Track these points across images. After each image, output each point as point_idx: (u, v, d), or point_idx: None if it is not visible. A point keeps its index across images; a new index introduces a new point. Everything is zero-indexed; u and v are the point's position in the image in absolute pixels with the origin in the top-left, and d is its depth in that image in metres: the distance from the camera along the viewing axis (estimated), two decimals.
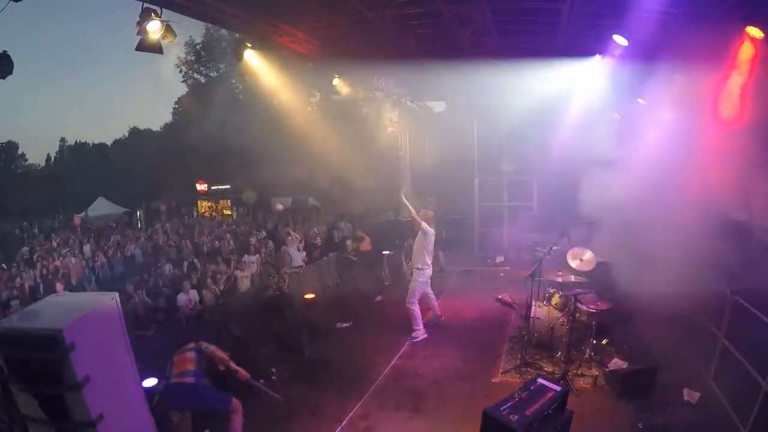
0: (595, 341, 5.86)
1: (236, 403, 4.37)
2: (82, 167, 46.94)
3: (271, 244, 11.90)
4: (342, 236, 13.09)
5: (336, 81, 10.14)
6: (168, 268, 10.60)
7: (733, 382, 4.45)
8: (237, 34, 7.60)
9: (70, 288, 9.40)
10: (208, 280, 8.29)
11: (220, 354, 4.54)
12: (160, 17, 5.82)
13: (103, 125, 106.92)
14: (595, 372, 5.47)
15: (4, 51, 5.03)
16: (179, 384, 4.15)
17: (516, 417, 3.19)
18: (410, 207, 7.13)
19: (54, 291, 8.26)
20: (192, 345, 4.52)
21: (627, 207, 7.89)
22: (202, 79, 32.60)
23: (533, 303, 6.31)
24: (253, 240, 12.20)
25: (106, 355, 3.39)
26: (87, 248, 14.47)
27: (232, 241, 12.93)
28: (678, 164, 6.77)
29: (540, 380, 3.64)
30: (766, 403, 3.91)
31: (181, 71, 32.61)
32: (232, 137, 22.61)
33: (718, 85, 4.90)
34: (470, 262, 12.20)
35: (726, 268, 4.89)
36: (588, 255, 6.37)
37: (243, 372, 4.57)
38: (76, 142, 52.08)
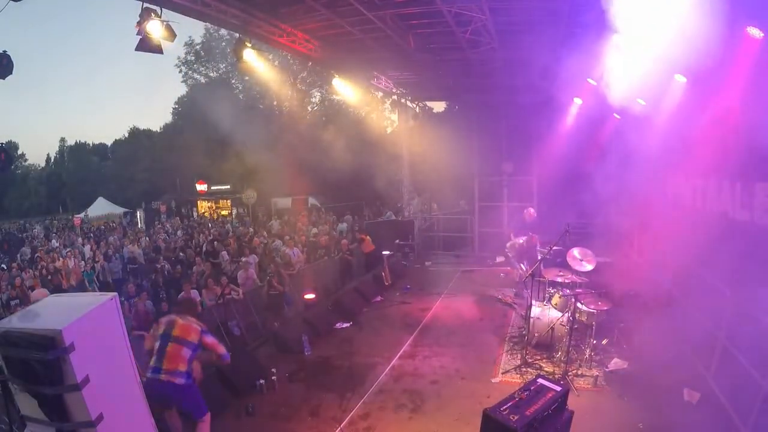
0: (595, 341, 5.86)
1: (208, 416, 4.15)
2: (82, 167, 47.00)
3: (277, 243, 11.88)
4: (341, 236, 13.12)
5: (336, 81, 10.12)
6: (168, 268, 10.60)
7: (733, 382, 4.44)
8: (237, 34, 7.59)
9: (70, 288, 9.41)
10: (209, 280, 8.29)
11: (220, 349, 4.24)
12: (160, 17, 5.83)
13: (103, 125, 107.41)
14: (595, 372, 5.47)
15: (4, 51, 5.04)
16: (168, 383, 3.86)
17: (516, 417, 3.19)
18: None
19: (56, 291, 8.27)
20: (194, 338, 4.03)
21: (627, 206, 7.93)
22: (202, 79, 32.61)
23: (533, 303, 6.31)
24: (257, 240, 12.21)
25: (106, 355, 3.38)
26: (87, 248, 14.47)
27: (234, 242, 12.92)
28: (678, 164, 6.80)
29: (540, 380, 3.63)
30: (766, 403, 3.91)
31: (181, 71, 32.67)
32: (231, 137, 22.63)
33: (719, 86, 4.89)
34: (470, 262, 12.23)
35: (726, 268, 4.90)
36: (589, 255, 6.36)
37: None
38: (76, 142, 52.18)
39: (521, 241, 8.40)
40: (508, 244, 8.95)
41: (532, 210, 9.42)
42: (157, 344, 3.99)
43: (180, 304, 5.07)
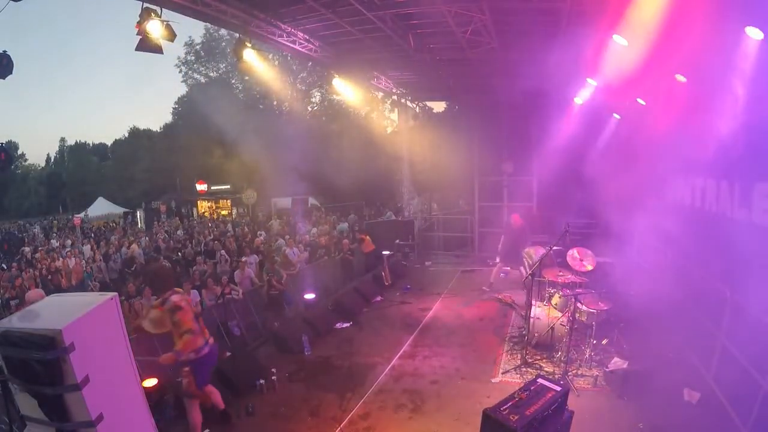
0: (595, 341, 5.86)
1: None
2: (82, 167, 47.01)
3: (280, 242, 11.88)
4: (341, 236, 13.12)
5: (336, 81, 10.11)
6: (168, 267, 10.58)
7: (733, 382, 4.44)
8: (237, 34, 7.59)
9: (70, 288, 9.40)
10: (209, 280, 8.29)
11: None
12: (160, 17, 5.83)
13: (103, 125, 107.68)
14: (595, 372, 5.47)
15: (4, 51, 5.05)
16: (214, 345, 4.48)
17: (516, 417, 3.19)
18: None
19: (56, 291, 8.26)
20: (198, 309, 4.72)
21: (627, 206, 7.93)
22: (202, 79, 32.64)
23: (533, 303, 6.30)
24: (258, 240, 12.21)
25: (106, 355, 3.39)
26: (87, 248, 14.47)
27: (233, 241, 12.92)
28: (678, 164, 6.80)
29: (540, 380, 3.63)
30: (766, 403, 3.91)
31: (181, 71, 32.70)
32: (231, 137, 22.65)
33: (719, 86, 4.89)
34: (470, 262, 12.22)
35: (726, 268, 4.90)
36: (589, 255, 6.36)
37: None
38: (76, 142, 52.21)
39: (537, 257, 8.22)
40: (524, 251, 8.66)
41: (517, 216, 9.34)
42: (197, 326, 4.37)
43: (152, 281, 4.90)
